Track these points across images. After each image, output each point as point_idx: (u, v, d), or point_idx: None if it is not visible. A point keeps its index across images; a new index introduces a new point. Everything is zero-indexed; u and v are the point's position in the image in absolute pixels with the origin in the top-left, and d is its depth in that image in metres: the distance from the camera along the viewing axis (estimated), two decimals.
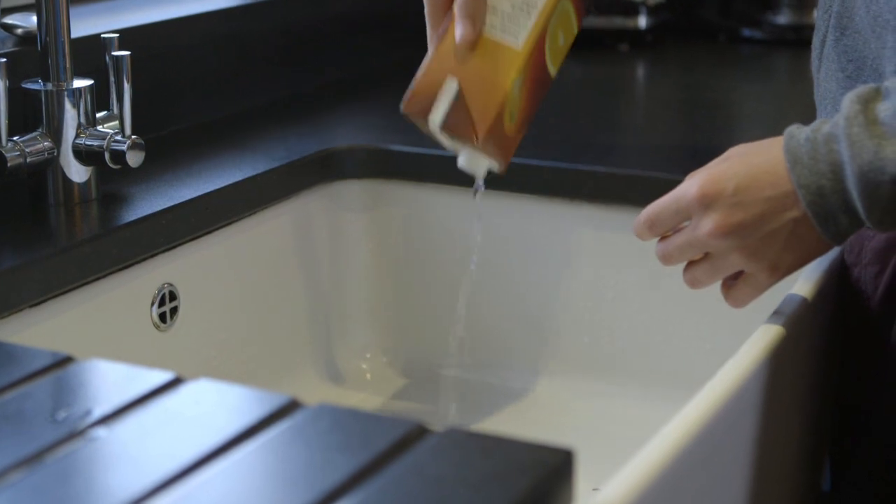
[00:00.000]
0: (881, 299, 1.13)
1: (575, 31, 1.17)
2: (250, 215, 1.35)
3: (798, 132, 0.97)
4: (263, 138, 1.48)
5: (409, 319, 1.50)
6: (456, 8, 1.13)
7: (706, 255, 1.03)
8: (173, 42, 1.49)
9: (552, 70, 1.16)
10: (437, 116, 1.11)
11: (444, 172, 1.44)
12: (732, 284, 1.05)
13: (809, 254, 1.02)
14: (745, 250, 1.00)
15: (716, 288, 1.31)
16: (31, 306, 1.10)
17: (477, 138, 1.10)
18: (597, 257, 1.41)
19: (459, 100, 1.10)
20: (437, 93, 1.12)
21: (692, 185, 1.00)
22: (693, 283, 1.06)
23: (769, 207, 0.97)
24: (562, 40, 1.15)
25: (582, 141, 1.39)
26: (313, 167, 1.43)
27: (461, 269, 1.47)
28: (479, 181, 1.20)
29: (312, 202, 1.44)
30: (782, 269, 1.02)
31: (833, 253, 1.20)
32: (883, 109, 0.92)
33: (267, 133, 1.50)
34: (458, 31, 1.12)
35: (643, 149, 1.50)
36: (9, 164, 1.18)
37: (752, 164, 0.99)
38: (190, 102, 1.53)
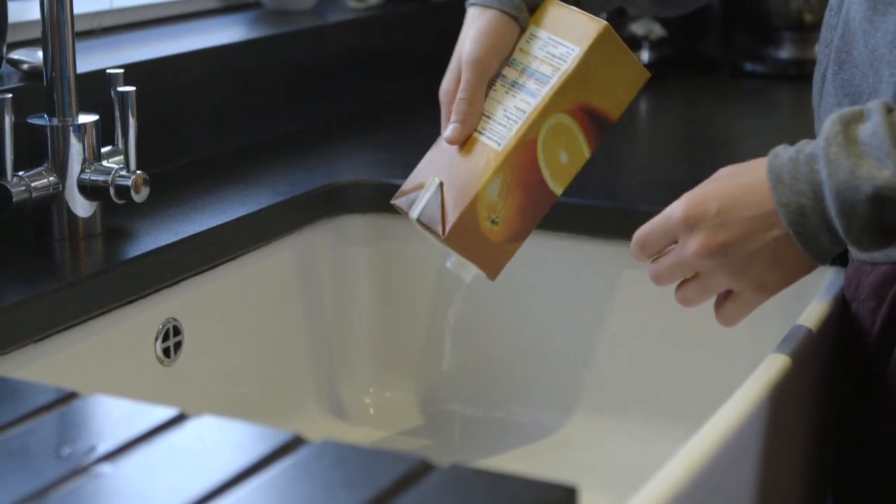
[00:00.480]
0: (878, 334, 1.13)
1: (585, 154, 1.19)
2: (254, 250, 1.35)
3: (783, 152, 0.99)
4: (268, 173, 1.48)
5: (413, 354, 1.51)
6: (452, 109, 1.18)
7: (696, 275, 1.04)
8: (178, 77, 1.49)
9: (554, 187, 1.18)
10: (415, 210, 1.18)
11: None
12: (723, 304, 1.06)
13: (795, 273, 1.02)
14: (731, 269, 1.01)
15: (717, 323, 1.32)
16: (36, 341, 1.10)
17: (443, 231, 1.14)
18: (599, 293, 1.42)
19: (438, 195, 1.16)
20: (422, 188, 1.18)
21: (678, 206, 1.02)
22: (684, 302, 1.07)
23: (752, 227, 0.99)
24: (564, 158, 1.17)
25: (584, 175, 1.39)
26: (317, 202, 1.43)
27: (463, 303, 1.47)
28: (467, 280, 1.23)
29: (316, 237, 1.44)
30: (769, 288, 1.03)
31: (835, 287, 1.20)
32: (863, 130, 0.93)
33: (271, 167, 1.51)
34: (447, 132, 1.18)
35: (645, 184, 1.50)
36: (14, 200, 1.19)
37: (737, 184, 1.00)
38: (194, 137, 1.54)
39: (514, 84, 1.17)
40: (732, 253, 1.00)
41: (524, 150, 1.15)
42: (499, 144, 1.15)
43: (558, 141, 1.16)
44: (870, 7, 1.04)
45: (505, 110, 1.16)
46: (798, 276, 1.03)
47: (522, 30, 1.19)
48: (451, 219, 1.14)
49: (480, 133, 1.17)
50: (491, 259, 1.18)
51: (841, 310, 1.18)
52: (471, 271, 1.19)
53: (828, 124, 0.95)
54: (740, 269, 1.01)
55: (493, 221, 1.14)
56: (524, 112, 1.15)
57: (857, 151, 0.92)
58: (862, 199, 0.92)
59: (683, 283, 1.06)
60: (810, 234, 0.96)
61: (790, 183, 0.96)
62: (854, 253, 1.14)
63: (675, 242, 1.03)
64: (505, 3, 1.18)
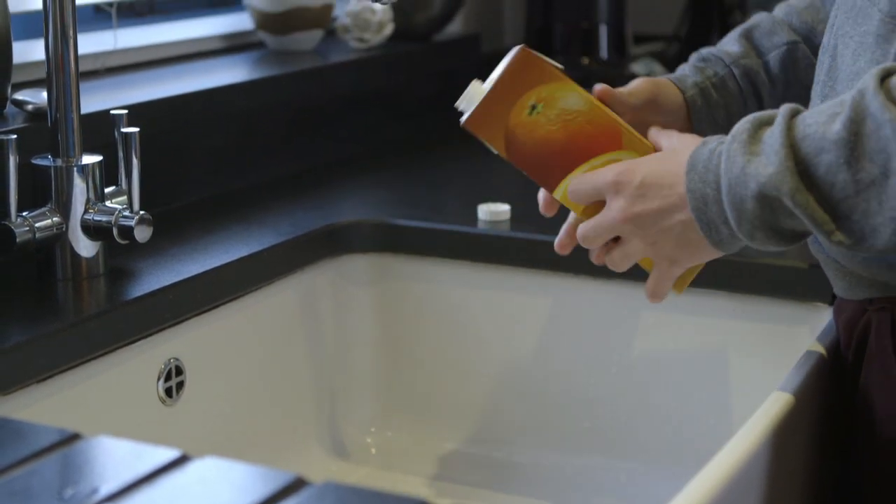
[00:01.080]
0: (854, 373, 1.14)
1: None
2: (256, 290, 1.36)
3: (710, 142, 1.01)
4: (270, 212, 1.49)
5: (414, 393, 1.51)
6: None
7: (619, 240, 1.07)
8: (181, 117, 1.50)
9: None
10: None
11: (449, 246, 1.45)
12: (610, 251, 1.10)
13: (702, 254, 1.05)
14: (646, 239, 1.05)
15: (717, 363, 1.32)
16: (39, 381, 1.11)
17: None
18: (600, 332, 1.42)
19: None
20: None
21: (612, 169, 1.06)
22: (611, 265, 1.10)
23: (664, 205, 1.03)
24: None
25: None
26: (319, 241, 1.44)
27: (466, 343, 1.48)
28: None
29: (318, 276, 1.45)
30: (680, 263, 1.07)
31: (832, 332, 1.20)
32: (768, 133, 0.95)
33: (273, 207, 1.51)
34: None
35: None
36: (18, 240, 1.19)
37: (666, 160, 1.04)
38: (198, 176, 1.54)
39: None
40: (646, 225, 1.04)
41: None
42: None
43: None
44: (855, 55, 1.05)
45: None
46: (706, 257, 1.06)
47: None
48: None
49: None
50: (500, 136, 1.11)
51: (836, 348, 1.19)
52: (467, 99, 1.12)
53: (740, 123, 0.98)
54: (653, 241, 1.05)
55: (534, 110, 1.10)
56: None
57: (755, 150, 0.95)
58: (748, 195, 0.95)
59: (609, 247, 1.09)
60: (711, 223, 1.00)
61: (701, 172, 0.99)
62: (836, 290, 1.14)
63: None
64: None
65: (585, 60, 2.12)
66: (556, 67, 1.10)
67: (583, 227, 1.08)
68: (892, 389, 1.06)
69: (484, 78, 1.12)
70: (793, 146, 0.93)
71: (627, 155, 1.09)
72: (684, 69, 1.26)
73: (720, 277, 1.33)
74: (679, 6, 2.34)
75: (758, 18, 1.29)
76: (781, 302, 1.32)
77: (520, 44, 1.12)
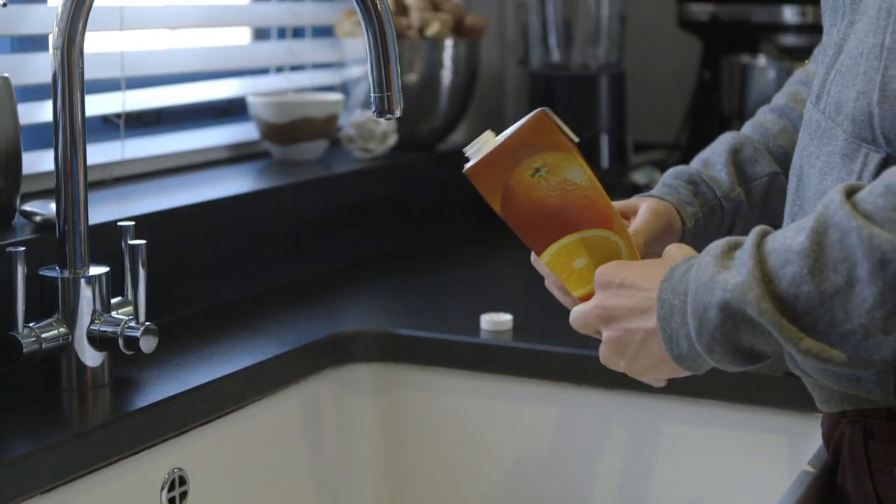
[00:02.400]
0: (835, 486, 1.13)
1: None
2: (260, 400, 1.36)
3: (694, 257, 1.02)
4: (274, 322, 1.50)
5: (417, 503, 1.50)
6: None
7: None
8: (187, 227, 1.52)
9: None
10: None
11: (452, 357, 1.45)
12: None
13: (661, 369, 1.06)
14: (610, 339, 1.07)
15: (721, 473, 1.32)
16: (43, 493, 1.11)
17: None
18: (603, 442, 1.42)
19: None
20: None
21: (605, 266, 1.08)
22: (603, 360, 1.11)
23: (637, 307, 1.04)
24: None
25: None
26: (322, 351, 1.45)
27: (468, 453, 1.48)
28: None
29: (321, 386, 1.45)
30: (635, 373, 1.08)
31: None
32: (739, 251, 0.97)
33: (277, 316, 1.52)
34: None
35: None
36: (24, 350, 1.20)
37: (653, 265, 1.06)
38: (203, 285, 1.55)
39: None
40: (616, 323, 1.06)
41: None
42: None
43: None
44: (822, 174, 1.06)
45: None
46: (661, 373, 1.07)
47: None
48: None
49: None
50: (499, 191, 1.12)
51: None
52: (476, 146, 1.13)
53: (716, 241, 1.00)
54: (616, 343, 1.07)
55: (538, 172, 1.11)
56: None
57: (726, 264, 0.97)
58: (713, 303, 0.96)
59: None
60: (673, 335, 1.01)
61: (675, 283, 1.01)
62: (816, 402, 1.14)
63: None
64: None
65: None
66: (570, 138, 1.11)
67: (571, 314, 1.11)
68: (868, 502, 1.06)
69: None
70: (761, 260, 0.94)
71: (615, 237, 1.12)
72: (679, 192, 1.27)
73: (724, 388, 1.33)
74: (679, 115, 2.37)
75: (738, 141, 1.30)
76: (789, 413, 1.32)
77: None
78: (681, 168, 1.29)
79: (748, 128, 1.33)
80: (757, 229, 0.97)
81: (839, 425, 1.10)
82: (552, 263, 1.12)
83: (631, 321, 1.05)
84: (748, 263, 0.94)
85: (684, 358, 1.01)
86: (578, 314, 1.10)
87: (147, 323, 1.25)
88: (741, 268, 0.95)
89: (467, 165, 1.11)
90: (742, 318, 0.95)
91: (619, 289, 1.06)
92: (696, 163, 1.31)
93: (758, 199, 1.28)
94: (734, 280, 0.95)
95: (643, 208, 1.23)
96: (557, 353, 1.41)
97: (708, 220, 1.26)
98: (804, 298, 0.92)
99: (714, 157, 1.30)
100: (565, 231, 1.11)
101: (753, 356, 0.98)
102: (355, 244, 1.82)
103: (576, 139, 1.11)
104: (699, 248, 1.12)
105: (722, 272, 0.96)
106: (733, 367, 0.99)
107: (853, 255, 0.90)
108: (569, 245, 1.12)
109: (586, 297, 1.11)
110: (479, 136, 1.11)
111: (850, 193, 0.92)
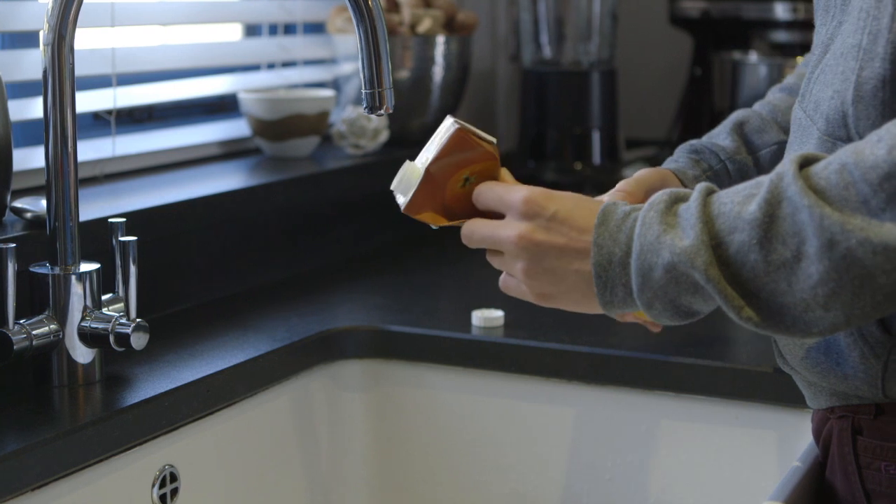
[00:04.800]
0: (823, 482, 1.14)
1: None
2: (251, 396, 1.36)
3: (621, 203, 1.02)
4: (265, 318, 1.50)
5: (408, 499, 1.51)
6: None
7: (502, 252, 1.07)
8: (178, 224, 1.52)
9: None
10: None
11: (444, 353, 1.45)
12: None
13: (580, 306, 1.05)
14: (529, 271, 1.05)
15: (714, 469, 1.33)
16: (33, 489, 1.11)
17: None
18: (593, 438, 1.42)
19: None
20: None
21: (525, 189, 1.05)
22: (504, 286, 1.09)
23: (566, 245, 1.03)
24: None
25: (577, 324, 1.41)
26: (314, 348, 1.45)
27: (459, 449, 1.48)
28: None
29: (313, 382, 1.45)
30: (549, 301, 1.07)
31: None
32: (683, 207, 0.97)
33: (269, 313, 1.52)
34: None
35: (637, 329, 1.51)
36: (15, 347, 1.20)
37: (584, 204, 1.04)
38: (194, 282, 1.56)
39: None
40: (539, 257, 1.04)
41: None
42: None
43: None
44: None
45: None
46: (572, 307, 1.06)
47: None
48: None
49: None
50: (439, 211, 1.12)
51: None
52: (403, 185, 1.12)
53: (657, 194, 0.99)
54: (535, 275, 1.04)
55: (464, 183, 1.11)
56: None
57: (671, 221, 0.96)
58: (659, 264, 0.96)
59: (492, 252, 1.09)
60: (609, 282, 1.00)
61: (613, 230, 1.00)
62: (806, 399, 1.15)
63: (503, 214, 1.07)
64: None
65: (578, 166, 2.14)
66: (488, 140, 1.10)
67: (469, 228, 1.09)
68: (856, 497, 1.07)
69: None
70: (707, 222, 0.94)
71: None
72: (679, 161, 1.27)
73: (717, 385, 1.34)
74: (670, 111, 2.38)
75: (745, 114, 1.31)
76: (779, 409, 1.33)
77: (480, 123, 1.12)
78: (687, 142, 1.29)
79: (757, 105, 1.33)
80: (700, 186, 0.97)
81: (828, 421, 1.10)
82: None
83: (561, 260, 1.03)
84: (696, 226, 0.94)
85: (614, 305, 1.01)
86: (482, 234, 1.07)
87: (138, 320, 1.25)
88: (688, 230, 0.95)
89: (402, 205, 1.10)
90: (686, 281, 0.95)
91: (550, 222, 1.03)
92: (703, 138, 1.31)
93: (767, 168, 1.28)
94: (682, 244, 0.94)
95: (645, 169, 1.23)
96: (549, 350, 1.41)
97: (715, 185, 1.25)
98: (750, 267, 0.92)
99: (719, 129, 1.31)
100: None
101: (690, 313, 0.98)
102: (347, 241, 1.82)
103: (492, 139, 1.10)
104: None
105: (668, 232, 0.96)
106: (667, 322, 1.00)
107: (803, 231, 0.90)
108: None
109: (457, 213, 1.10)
110: (400, 169, 1.10)
111: (805, 164, 0.92)
